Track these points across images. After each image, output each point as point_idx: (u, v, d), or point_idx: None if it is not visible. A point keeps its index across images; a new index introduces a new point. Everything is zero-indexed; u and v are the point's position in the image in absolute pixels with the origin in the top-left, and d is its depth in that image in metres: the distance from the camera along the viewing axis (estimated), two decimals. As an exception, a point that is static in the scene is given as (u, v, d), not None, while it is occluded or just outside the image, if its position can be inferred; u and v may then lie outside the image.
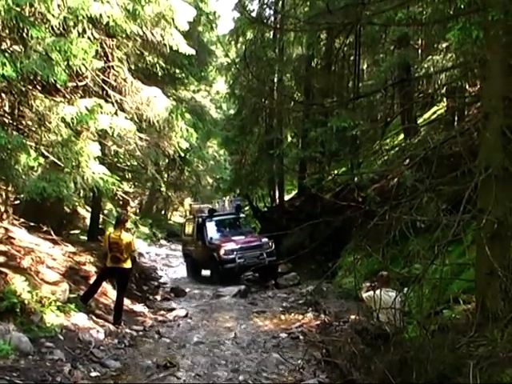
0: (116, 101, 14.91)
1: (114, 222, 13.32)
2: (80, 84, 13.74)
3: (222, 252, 20.04)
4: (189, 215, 26.09)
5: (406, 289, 7.77)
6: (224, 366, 9.55)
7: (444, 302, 8.56)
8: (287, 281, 19.81)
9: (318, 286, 16.10)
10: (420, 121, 21.81)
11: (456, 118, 17.34)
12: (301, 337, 11.54)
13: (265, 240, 20.34)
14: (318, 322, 12.64)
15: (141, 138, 15.49)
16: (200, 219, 22.39)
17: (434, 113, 21.64)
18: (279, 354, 10.20)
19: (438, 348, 6.12)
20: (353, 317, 11.57)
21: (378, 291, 8.94)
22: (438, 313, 8.05)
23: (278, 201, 30.26)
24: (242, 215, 23.69)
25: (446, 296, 8.60)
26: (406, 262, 8.94)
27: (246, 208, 29.32)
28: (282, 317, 13.87)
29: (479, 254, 7.30)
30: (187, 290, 19.33)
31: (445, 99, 19.53)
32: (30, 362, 8.46)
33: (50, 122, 11.95)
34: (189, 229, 24.50)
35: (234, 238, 21.02)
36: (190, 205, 27.05)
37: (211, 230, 21.96)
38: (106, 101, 13.90)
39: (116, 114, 13.89)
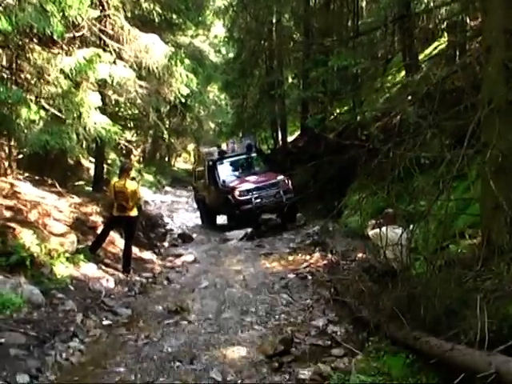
0: (114, 49, 14.78)
1: (118, 172, 13.29)
2: (77, 35, 13.60)
3: (236, 194, 19.17)
4: (198, 160, 25.14)
5: (411, 225, 7.77)
6: (233, 308, 9.64)
7: (450, 237, 8.56)
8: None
9: (324, 226, 16.10)
10: (421, 57, 21.48)
11: (457, 53, 17.04)
12: (309, 277, 11.60)
13: (280, 177, 19.45)
14: (326, 262, 12.68)
15: (141, 86, 15.40)
16: (210, 162, 21.60)
17: (435, 48, 21.32)
18: (288, 295, 10.31)
19: (445, 283, 6.15)
20: (360, 255, 11.67)
21: (384, 228, 8.94)
22: (444, 248, 8.06)
23: (281, 142, 30.26)
24: (254, 154, 22.40)
25: (452, 231, 8.59)
26: (412, 198, 8.91)
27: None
28: (290, 258, 13.93)
29: (484, 189, 7.27)
30: (194, 235, 19.44)
31: (446, 34, 19.24)
32: (43, 313, 8.57)
33: (48, 75, 11.88)
34: (200, 174, 23.80)
35: (248, 178, 20.22)
36: (198, 149, 25.74)
37: (223, 172, 21.08)
38: (104, 50, 13.79)
39: (115, 62, 13.80)
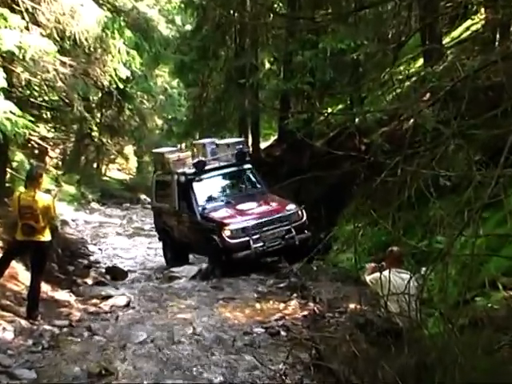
0: (27, 9, 14.63)
1: (25, 179, 13.13)
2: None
3: (227, 234, 17.28)
4: (161, 170, 21.95)
5: (424, 269, 7.77)
6: (179, 372, 9.55)
7: (477, 286, 8.60)
8: (264, 257, 19.73)
9: (305, 265, 16.05)
10: (447, 40, 21.73)
11: (497, 37, 17.19)
12: (282, 333, 11.57)
13: (291, 207, 17.93)
14: (306, 313, 12.70)
15: (63, 63, 15.32)
16: (183, 178, 19.52)
17: (467, 29, 21.56)
18: (253, 356, 10.24)
19: (469, 349, 6.14)
20: (352, 306, 11.65)
21: (386, 272, 8.96)
22: (469, 301, 8.08)
23: (251, 149, 30.29)
24: (247, 166, 20.65)
25: (480, 279, 8.64)
26: (425, 232, 8.95)
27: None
28: (257, 306, 13.90)
29: (526, 222, 7.30)
30: (128, 269, 19.36)
31: (482, 10, 19.39)
32: None
33: None
34: (163, 190, 21.35)
35: (242, 206, 18.54)
36: (163, 154, 22.31)
37: (203, 194, 19.10)
38: (13, 10, 13.64)
39: (27, 28, 13.68)
